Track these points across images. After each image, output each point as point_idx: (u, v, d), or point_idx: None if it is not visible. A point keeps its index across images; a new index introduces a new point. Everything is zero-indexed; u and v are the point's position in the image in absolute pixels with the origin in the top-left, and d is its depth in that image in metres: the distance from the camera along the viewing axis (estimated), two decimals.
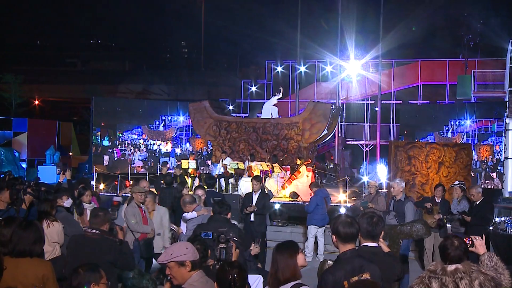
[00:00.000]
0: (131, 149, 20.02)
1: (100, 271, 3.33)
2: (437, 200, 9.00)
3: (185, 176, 13.09)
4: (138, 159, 19.54)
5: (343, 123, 24.93)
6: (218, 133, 15.75)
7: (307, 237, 10.12)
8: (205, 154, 20.79)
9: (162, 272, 4.88)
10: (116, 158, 19.60)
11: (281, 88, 16.72)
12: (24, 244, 3.77)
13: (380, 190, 11.53)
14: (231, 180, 14.22)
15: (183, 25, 40.55)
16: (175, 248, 3.35)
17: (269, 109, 16.15)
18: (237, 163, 13.99)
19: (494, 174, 17.90)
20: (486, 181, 17.58)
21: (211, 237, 4.38)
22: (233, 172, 14.01)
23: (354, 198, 12.55)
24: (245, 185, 12.90)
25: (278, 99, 16.31)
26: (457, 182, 8.86)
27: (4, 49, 41.06)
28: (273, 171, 13.72)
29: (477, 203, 8.25)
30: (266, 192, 9.34)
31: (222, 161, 14.30)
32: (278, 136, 15.21)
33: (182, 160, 14.59)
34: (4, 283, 3.45)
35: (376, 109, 21.78)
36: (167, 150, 20.77)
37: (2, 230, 4.03)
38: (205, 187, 9.08)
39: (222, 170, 14.13)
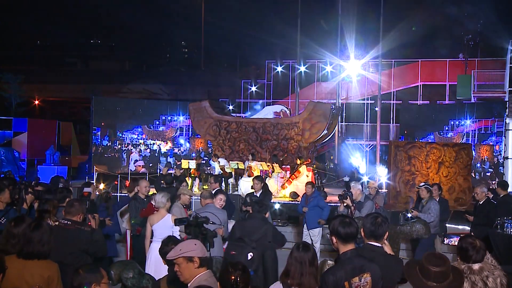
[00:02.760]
0: (131, 149, 20.03)
1: (100, 270, 3.33)
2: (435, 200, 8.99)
3: (186, 177, 13.11)
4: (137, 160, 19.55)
5: (343, 123, 24.93)
6: (218, 133, 15.75)
7: (318, 241, 9.58)
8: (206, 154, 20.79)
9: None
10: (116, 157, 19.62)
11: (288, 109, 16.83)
12: (32, 246, 3.77)
13: (380, 190, 11.54)
14: (231, 180, 14.22)
15: (183, 25, 40.56)
16: (184, 244, 3.41)
17: (268, 112, 16.17)
18: (237, 163, 13.99)
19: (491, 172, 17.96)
20: (493, 181, 17.58)
21: (186, 222, 4.59)
22: (232, 172, 14.01)
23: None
24: (245, 185, 12.91)
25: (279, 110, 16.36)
26: (422, 184, 8.77)
27: (4, 49, 41.06)
28: (273, 171, 13.72)
29: (481, 203, 8.25)
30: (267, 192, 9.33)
31: (218, 163, 14.29)
32: (278, 136, 15.21)
33: (182, 160, 14.59)
34: (10, 283, 3.44)
35: (376, 109, 21.77)
36: (167, 150, 20.78)
37: (12, 230, 4.03)
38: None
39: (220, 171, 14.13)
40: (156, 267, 6.03)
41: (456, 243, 4.17)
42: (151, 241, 6.42)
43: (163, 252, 4.18)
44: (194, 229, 4.54)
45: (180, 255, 3.32)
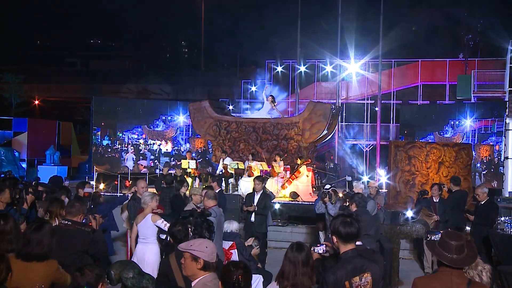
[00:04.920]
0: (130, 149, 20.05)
1: (101, 269, 3.36)
2: (434, 200, 9.00)
3: (185, 176, 13.12)
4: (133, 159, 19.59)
5: (343, 123, 24.92)
6: (218, 133, 15.74)
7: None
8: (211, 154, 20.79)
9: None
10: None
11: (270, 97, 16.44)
12: (31, 247, 3.77)
13: (380, 190, 11.54)
14: (231, 180, 14.22)
15: (183, 25, 40.56)
16: (197, 242, 3.44)
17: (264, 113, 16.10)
18: (237, 163, 13.99)
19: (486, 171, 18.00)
20: (492, 182, 17.57)
21: (188, 214, 4.90)
22: (233, 172, 14.00)
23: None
24: (245, 185, 12.91)
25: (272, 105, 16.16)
26: (328, 186, 8.71)
27: (4, 49, 41.06)
28: (273, 172, 13.69)
29: (482, 203, 8.27)
30: (267, 193, 9.31)
31: (223, 160, 14.30)
32: (278, 136, 15.20)
33: (182, 160, 14.58)
34: (13, 283, 3.44)
35: (376, 109, 21.77)
36: (167, 150, 20.79)
37: (4, 228, 4.04)
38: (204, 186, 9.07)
39: (222, 170, 14.12)
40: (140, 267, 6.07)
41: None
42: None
43: (171, 232, 4.60)
44: (195, 220, 4.77)
45: (189, 250, 3.35)
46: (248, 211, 8.92)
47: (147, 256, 6.20)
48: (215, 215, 6.13)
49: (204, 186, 13.86)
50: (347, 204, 7.19)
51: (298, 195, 12.64)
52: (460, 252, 3.15)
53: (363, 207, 6.23)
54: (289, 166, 14.64)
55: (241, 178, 13.63)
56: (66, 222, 4.81)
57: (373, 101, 24.37)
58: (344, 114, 24.65)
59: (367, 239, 5.62)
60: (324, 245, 3.75)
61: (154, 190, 10.90)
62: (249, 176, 13.25)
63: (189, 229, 4.62)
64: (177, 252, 4.23)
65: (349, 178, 14.71)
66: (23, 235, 3.88)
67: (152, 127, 20.56)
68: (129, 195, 7.95)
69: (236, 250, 6.39)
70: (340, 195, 8.98)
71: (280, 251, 10.25)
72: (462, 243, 3.17)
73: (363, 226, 5.80)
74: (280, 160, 13.75)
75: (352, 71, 23.66)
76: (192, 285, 3.35)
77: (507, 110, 17.23)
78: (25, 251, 3.76)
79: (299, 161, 13.72)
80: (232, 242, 6.43)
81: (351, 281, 3.40)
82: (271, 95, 16.10)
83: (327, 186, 8.53)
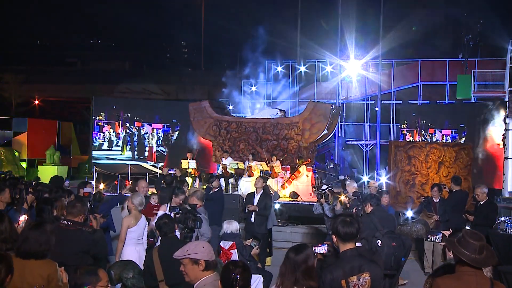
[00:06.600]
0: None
1: (98, 273, 3.32)
2: (435, 200, 9.01)
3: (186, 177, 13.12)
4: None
5: (343, 123, 24.91)
6: (218, 133, 15.74)
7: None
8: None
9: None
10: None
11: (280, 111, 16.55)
12: (29, 245, 3.77)
13: (380, 190, 11.52)
14: (231, 180, 14.22)
15: (183, 25, 40.59)
16: (192, 245, 3.41)
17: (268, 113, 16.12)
18: (237, 163, 14.00)
19: None
20: None
21: (177, 210, 5.13)
22: (233, 172, 14.01)
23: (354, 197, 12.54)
24: (245, 185, 12.91)
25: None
26: (325, 187, 8.64)
27: (4, 49, 41.07)
28: (272, 172, 13.69)
29: (481, 203, 8.26)
30: (272, 194, 9.27)
31: (224, 160, 14.31)
32: (278, 136, 15.21)
33: (182, 160, 14.59)
34: (12, 283, 3.44)
35: (376, 109, 21.77)
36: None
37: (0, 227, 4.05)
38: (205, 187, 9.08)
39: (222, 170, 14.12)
40: None
41: (438, 240, 4.28)
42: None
43: (157, 224, 4.85)
44: (185, 216, 4.91)
45: (186, 256, 3.32)
46: (248, 211, 8.92)
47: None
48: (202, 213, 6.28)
49: (204, 187, 13.91)
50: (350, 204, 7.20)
51: (298, 195, 12.64)
52: (481, 252, 3.16)
53: (377, 205, 6.23)
54: (289, 166, 14.64)
55: (241, 178, 13.63)
56: (67, 222, 4.81)
57: (373, 101, 24.36)
58: (344, 114, 24.63)
59: (391, 236, 5.65)
60: (326, 245, 3.75)
61: (154, 190, 10.92)
62: (249, 176, 13.26)
63: (175, 223, 4.90)
64: (160, 246, 4.59)
65: (342, 177, 14.73)
66: (21, 233, 3.88)
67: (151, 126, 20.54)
68: (127, 194, 7.94)
69: (236, 250, 6.39)
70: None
71: (280, 251, 10.24)
72: (483, 244, 3.18)
73: (383, 223, 5.83)
74: (277, 160, 13.76)
75: (352, 71, 23.67)
76: (194, 287, 3.34)
77: (507, 110, 17.22)
78: (23, 248, 3.76)
79: (298, 161, 13.73)
80: (232, 242, 6.44)
81: (348, 280, 3.40)
82: (283, 111, 16.28)
83: (324, 187, 8.52)
